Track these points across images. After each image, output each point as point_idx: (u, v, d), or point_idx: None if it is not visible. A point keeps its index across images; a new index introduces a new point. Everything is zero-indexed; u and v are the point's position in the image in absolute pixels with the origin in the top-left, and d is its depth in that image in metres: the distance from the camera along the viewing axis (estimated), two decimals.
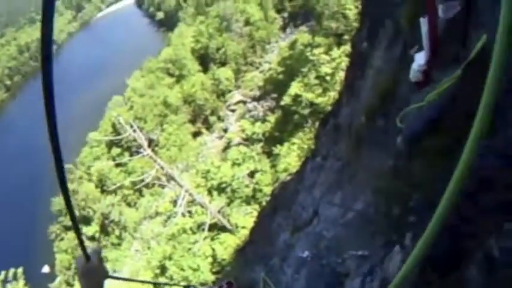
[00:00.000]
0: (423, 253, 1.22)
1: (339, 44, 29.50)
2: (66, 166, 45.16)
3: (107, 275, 2.07)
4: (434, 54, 3.03)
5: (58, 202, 42.85)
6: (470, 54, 2.55)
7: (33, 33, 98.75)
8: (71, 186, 43.24)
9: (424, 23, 3.09)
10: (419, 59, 3.15)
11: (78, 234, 1.88)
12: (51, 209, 41.85)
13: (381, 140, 5.14)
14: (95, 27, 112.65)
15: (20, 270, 20.32)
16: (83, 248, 1.94)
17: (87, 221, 40.69)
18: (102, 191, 42.10)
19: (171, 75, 49.91)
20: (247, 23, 48.46)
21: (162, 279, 26.94)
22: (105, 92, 57.31)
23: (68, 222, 41.49)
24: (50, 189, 43.72)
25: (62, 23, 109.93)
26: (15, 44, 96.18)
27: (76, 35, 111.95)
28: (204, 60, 49.97)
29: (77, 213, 39.50)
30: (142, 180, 35.49)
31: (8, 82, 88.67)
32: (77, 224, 1.82)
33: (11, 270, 20.05)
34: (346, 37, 28.79)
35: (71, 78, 75.82)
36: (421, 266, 2.43)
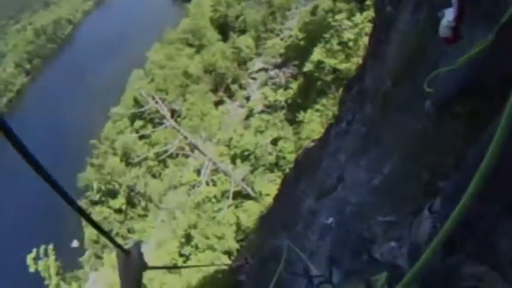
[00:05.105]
0: (462, 214, 1.17)
1: (361, 9, 28.78)
2: (91, 142, 45.78)
3: (145, 267, 2.10)
4: (463, 10, 2.90)
5: (83, 178, 43.65)
6: (503, 14, 2.41)
7: (48, 16, 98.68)
8: (96, 161, 43.90)
9: None
10: (449, 14, 3.02)
11: (109, 237, 1.91)
12: (77, 185, 42.51)
13: (408, 103, 5.03)
14: (110, 4, 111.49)
15: (50, 246, 20.68)
16: (119, 246, 1.97)
17: (114, 194, 41.37)
18: (127, 164, 42.46)
19: (190, 45, 49.40)
20: None
21: (187, 248, 27.37)
22: (126, 66, 57.17)
23: (94, 197, 42.33)
24: (74, 165, 44.32)
25: (77, 2, 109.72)
26: (32, 28, 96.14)
27: (92, 13, 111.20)
28: (224, 29, 49.38)
29: (103, 187, 40.19)
30: (166, 151, 35.79)
31: (28, 66, 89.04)
32: (106, 232, 1.88)
33: (42, 247, 20.47)
34: (368, 2, 28.02)
35: (90, 55, 75.77)
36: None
